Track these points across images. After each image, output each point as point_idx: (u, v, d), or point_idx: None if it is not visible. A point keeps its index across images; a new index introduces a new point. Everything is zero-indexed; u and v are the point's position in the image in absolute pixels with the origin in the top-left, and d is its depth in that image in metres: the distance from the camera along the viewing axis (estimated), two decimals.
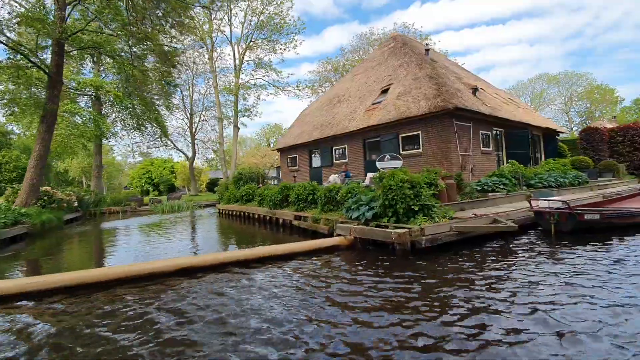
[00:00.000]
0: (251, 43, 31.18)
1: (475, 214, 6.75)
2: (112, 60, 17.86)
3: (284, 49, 31.16)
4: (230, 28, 30.65)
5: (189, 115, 36.40)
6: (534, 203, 7.15)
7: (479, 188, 9.39)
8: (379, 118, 13.42)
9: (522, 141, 14.42)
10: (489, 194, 8.94)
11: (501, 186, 9.19)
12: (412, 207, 6.25)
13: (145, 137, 30.04)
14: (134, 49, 15.86)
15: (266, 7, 29.82)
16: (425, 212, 6.37)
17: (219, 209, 17.52)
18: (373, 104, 14.78)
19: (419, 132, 12.30)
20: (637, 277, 4.07)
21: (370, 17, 78.85)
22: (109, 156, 52.81)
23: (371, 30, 40.26)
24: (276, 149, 21.82)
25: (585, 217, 6.20)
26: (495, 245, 6.16)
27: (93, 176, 26.10)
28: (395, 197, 6.37)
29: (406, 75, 14.43)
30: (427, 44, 16.83)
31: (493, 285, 4.03)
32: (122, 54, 16.11)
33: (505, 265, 4.84)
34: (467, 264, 5.02)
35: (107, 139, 24.69)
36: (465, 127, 12.05)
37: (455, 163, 11.43)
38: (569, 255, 5.23)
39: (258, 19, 29.92)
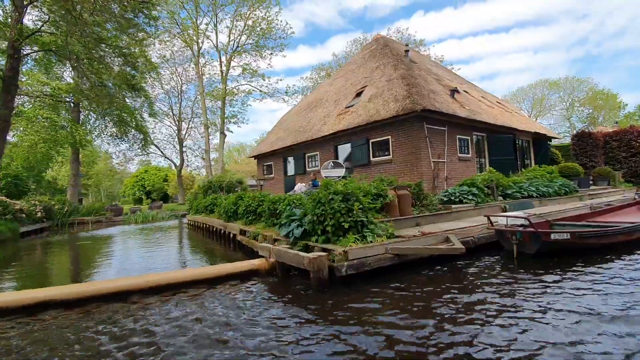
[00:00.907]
0: (238, 48, 30.58)
1: (422, 232, 5.65)
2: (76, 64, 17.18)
3: (272, 54, 30.48)
4: (216, 33, 30.08)
5: (177, 122, 35.74)
6: (493, 219, 6.05)
7: (445, 199, 8.30)
8: (349, 122, 12.42)
9: (506, 147, 13.31)
10: (455, 205, 7.84)
11: (470, 197, 8.09)
12: (343, 223, 5.18)
13: (128, 145, 29.34)
14: (93, 52, 15.10)
15: (253, 12, 29.26)
16: (359, 229, 5.30)
17: (189, 220, 16.57)
18: (346, 107, 13.80)
19: (389, 137, 11.26)
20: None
21: (374, 27, 78.73)
22: (107, 163, 52.38)
23: (365, 36, 39.64)
24: (252, 156, 20.85)
25: (552, 236, 5.09)
26: (439, 271, 5.06)
27: (69, 185, 25.32)
28: (324, 212, 5.32)
29: (381, 77, 13.46)
30: (407, 45, 15.89)
31: (408, 333, 2.95)
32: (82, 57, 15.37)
33: (436, 305, 3.75)
34: (391, 300, 3.94)
35: (82, 146, 23.93)
36: (439, 132, 11.00)
37: (426, 171, 10.35)
38: (520, 287, 4.13)
39: (245, 24, 29.33)
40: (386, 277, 4.75)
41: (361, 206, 5.35)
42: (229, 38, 30.39)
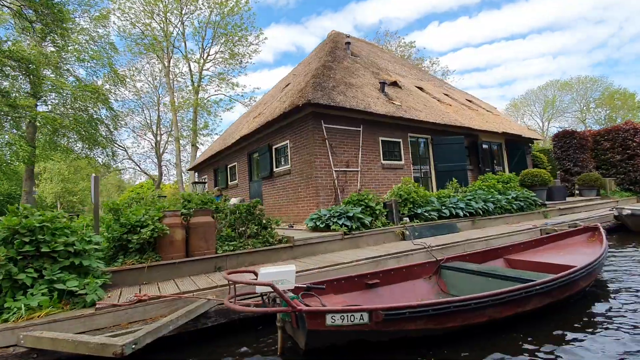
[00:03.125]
0: (207, 56, 29.22)
1: (137, 295, 3.29)
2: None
3: (246, 45, 28.78)
4: (184, 39, 28.85)
5: (154, 135, 34.60)
6: (235, 277, 3.37)
7: (311, 224, 5.90)
8: (254, 125, 10.23)
9: (456, 151, 10.71)
10: (312, 235, 5.42)
11: (340, 222, 5.64)
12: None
13: (101, 158, 28.20)
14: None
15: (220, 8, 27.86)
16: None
17: None
18: (263, 110, 11.65)
19: (288, 141, 8.97)
20: None
21: (389, 40, 77.35)
22: (116, 178, 52.03)
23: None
24: (191, 169, 18.90)
25: (329, 321, 2.62)
26: None
27: (21, 203, 24.06)
28: None
29: (306, 73, 11.27)
30: (348, 36, 13.67)
31: None
32: None
33: None
34: None
35: (31, 163, 22.71)
36: (348, 133, 8.62)
37: (325, 183, 7.96)
38: None
39: (210, 13, 27.86)
40: None
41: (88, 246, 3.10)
42: (201, 49, 29.12)
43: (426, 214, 6.70)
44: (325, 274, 4.17)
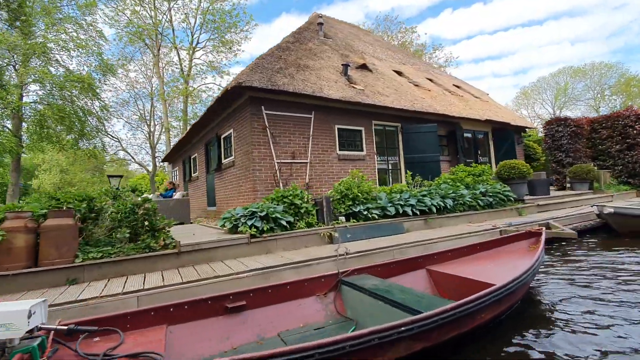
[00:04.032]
0: (199, 44, 28.42)
1: None
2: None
3: (237, 33, 27.90)
4: (172, 26, 28.06)
5: (147, 126, 34.18)
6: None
7: (223, 226, 5.09)
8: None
9: (427, 140, 9.70)
10: (231, 236, 4.62)
11: (249, 223, 4.81)
12: None
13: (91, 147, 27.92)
14: None
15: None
16: None
17: None
18: None
19: (232, 130, 8.14)
20: None
21: (388, 25, 74.80)
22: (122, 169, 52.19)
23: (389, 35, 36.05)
24: (164, 160, 18.28)
25: None
26: None
27: (8, 195, 24.00)
28: None
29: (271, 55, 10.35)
30: (321, 16, 12.61)
31: None
32: None
33: None
34: None
35: (17, 154, 22.46)
36: (297, 120, 7.73)
37: (265, 177, 7.12)
38: None
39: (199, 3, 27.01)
40: None
41: None
42: (191, 36, 28.30)
43: (366, 212, 5.81)
44: (184, 292, 3.37)
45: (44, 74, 20.67)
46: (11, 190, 23.90)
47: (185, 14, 27.84)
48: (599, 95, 52.88)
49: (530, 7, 66.26)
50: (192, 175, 12.16)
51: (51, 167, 42.67)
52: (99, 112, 26.06)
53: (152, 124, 34.80)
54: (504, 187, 7.91)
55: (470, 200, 7.11)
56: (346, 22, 17.44)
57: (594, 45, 63.35)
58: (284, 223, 5.00)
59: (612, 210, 6.38)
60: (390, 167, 9.70)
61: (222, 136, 8.75)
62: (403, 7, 59.26)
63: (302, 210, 5.38)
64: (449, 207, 6.66)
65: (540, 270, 4.68)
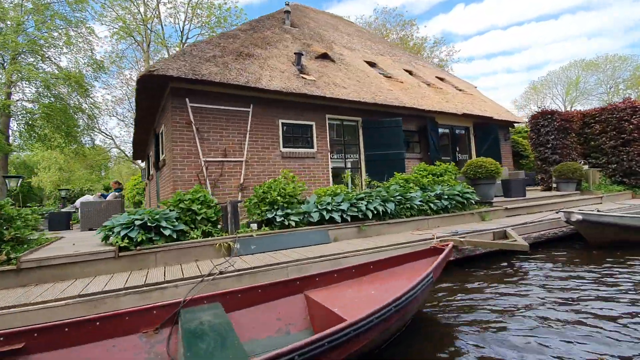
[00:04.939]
0: (187, 41, 27.86)
1: None
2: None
3: (227, 28, 27.29)
4: (161, 24, 27.58)
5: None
6: None
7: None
8: None
9: (391, 135, 8.80)
10: (99, 249, 3.92)
11: (122, 234, 4.07)
12: None
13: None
14: None
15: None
16: None
17: None
18: None
19: (163, 125, 7.43)
20: None
21: (386, 18, 73.08)
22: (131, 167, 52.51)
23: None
24: (134, 158, 17.72)
25: None
26: None
27: None
28: None
29: None
30: (287, 4, 11.75)
31: None
32: None
33: None
34: None
35: (7, 152, 22.34)
36: (231, 115, 6.96)
37: (188, 177, 6.38)
38: None
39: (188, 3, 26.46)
40: None
41: None
42: (181, 34, 27.81)
43: (282, 219, 5.01)
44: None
45: (30, 71, 20.42)
46: None
47: (173, 6, 27.27)
48: (612, 89, 50.50)
49: (546, 0, 63.67)
50: (150, 173, 11.55)
51: (50, 165, 42.94)
52: (88, 111, 25.80)
53: None
54: (467, 188, 6.98)
55: (420, 203, 6.22)
56: (327, 13, 16.58)
57: (611, 39, 60.44)
58: (169, 233, 4.25)
59: (580, 217, 5.42)
60: (348, 166, 8.85)
61: (159, 132, 8.06)
62: (413, 3, 57.57)
63: (199, 218, 4.62)
64: (390, 212, 5.80)
65: (457, 296, 3.82)
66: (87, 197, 8.82)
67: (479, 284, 4.13)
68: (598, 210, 7.35)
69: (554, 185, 10.15)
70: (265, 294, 3.11)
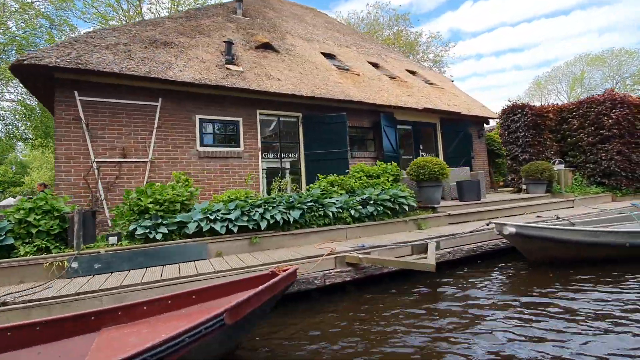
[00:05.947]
0: None
1: None
2: None
3: None
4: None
5: None
6: None
7: None
8: None
9: (334, 132, 7.95)
10: None
11: None
12: None
13: None
14: None
15: None
16: None
17: None
18: None
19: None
20: None
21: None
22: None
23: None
24: None
25: None
26: None
27: None
28: None
29: None
30: None
31: None
32: None
33: None
34: None
35: None
36: (135, 109, 6.18)
37: (74, 179, 5.63)
38: None
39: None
40: None
41: None
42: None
43: (145, 230, 4.21)
44: None
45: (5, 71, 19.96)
46: None
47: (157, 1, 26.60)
48: (618, 84, 48.68)
49: None
50: None
51: (42, 164, 42.92)
52: None
53: None
54: (403, 192, 6.10)
55: (337, 210, 5.37)
56: (298, 4, 15.71)
57: (623, 35, 58.19)
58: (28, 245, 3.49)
59: (513, 229, 4.50)
60: (288, 166, 8.03)
61: None
62: (421, 1, 56.20)
63: (35, 231, 3.85)
64: (293, 220, 4.96)
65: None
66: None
67: (345, 322, 3.27)
68: (557, 217, 6.43)
69: (524, 187, 9.18)
70: (53, 330, 2.34)
